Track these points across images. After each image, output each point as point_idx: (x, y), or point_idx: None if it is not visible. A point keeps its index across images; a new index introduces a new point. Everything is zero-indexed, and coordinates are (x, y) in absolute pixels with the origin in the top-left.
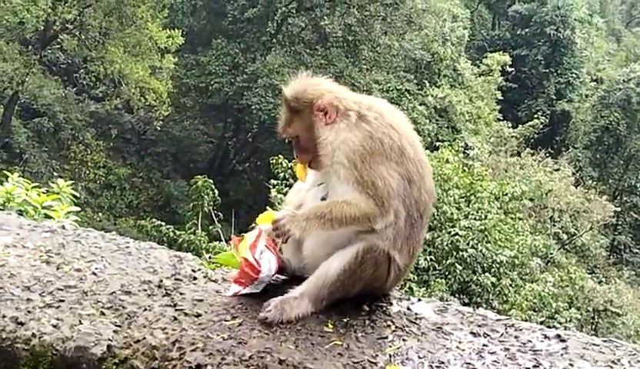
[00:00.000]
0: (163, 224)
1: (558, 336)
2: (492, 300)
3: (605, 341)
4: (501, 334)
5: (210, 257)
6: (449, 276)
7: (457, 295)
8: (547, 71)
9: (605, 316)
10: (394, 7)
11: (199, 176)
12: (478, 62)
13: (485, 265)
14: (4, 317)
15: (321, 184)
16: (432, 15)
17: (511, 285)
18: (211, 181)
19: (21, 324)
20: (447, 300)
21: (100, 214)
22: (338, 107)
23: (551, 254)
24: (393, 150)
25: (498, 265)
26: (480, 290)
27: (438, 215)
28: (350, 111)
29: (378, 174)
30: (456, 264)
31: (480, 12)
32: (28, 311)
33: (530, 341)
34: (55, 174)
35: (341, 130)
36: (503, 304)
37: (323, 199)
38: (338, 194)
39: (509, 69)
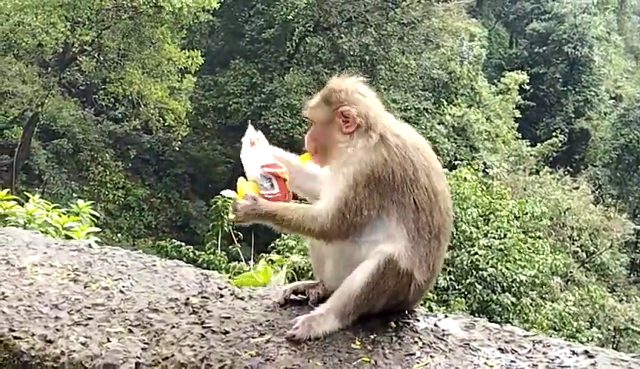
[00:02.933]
0: (182, 244)
1: (586, 352)
2: (512, 319)
3: (633, 357)
4: (529, 351)
5: (230, 278)
6: (469, 295)
7: (477, 314)
8: (565, 89)
9: (626, 335)
10: (411, 26)
11: (218, 196)
12: (495, 81)
13: (505, 284)
14: (33, 335)
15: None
16: (449, 34)
17: (531, 304)
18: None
19: (50, 341)
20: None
21: (119, 234)
22: (361, 123)
23: (571, 272)
24: (404, 181)
25: (518, 284)
26: (500, 309)
27: (457, 234)
28: (373, 132)
29: (369, 206)
30: (476, 284)
31: (497, 31)
32: (57, 329)
33: (558, 357)
34: (75, 195)
35: (359, 148)
36: (523, 323)
37: None
38: (323, 190)
39: (527, 87)
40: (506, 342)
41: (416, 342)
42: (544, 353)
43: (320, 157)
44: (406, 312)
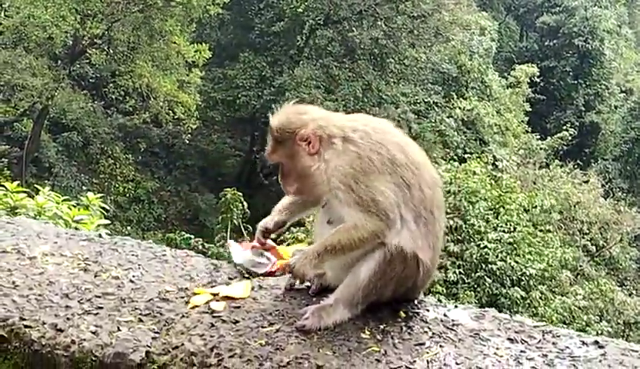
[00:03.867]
0: (192, 237)
1: (596, 342)
2: (522, 313)
3: None
4: (539, 341)
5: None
6: (478, 289)
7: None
8: (575, 82)
9: (635, 328)
10: (421, 19)
11: (228, 189)
12: (506, 74)
13: (515, 278)
14: (43, 323)
15: (325, 205)
16: (460, 28)
17: (540, 298)
18: (240, 193)
19: (61, 330)
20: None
21: (128, 227)
22: (321, 136)
23: (581, 266)
24: (384, 164)
25: (527, 278)
26: (509, 303)
27: (466, 228)
28: (334, 138)
29: (375, 190)
30: (485, 277)
31: (508, 24)
32: (67, 318)
33: (568, 348)
34: (84, 187)
35: (329, 159)
36: (533, 316)
37: (329, 222)
38: (341, 217)
39: (537, 81)
40: (516, 332)
41: (426, 332)
42: (554, 343)
43: (304, 190)
44: (416, 302)
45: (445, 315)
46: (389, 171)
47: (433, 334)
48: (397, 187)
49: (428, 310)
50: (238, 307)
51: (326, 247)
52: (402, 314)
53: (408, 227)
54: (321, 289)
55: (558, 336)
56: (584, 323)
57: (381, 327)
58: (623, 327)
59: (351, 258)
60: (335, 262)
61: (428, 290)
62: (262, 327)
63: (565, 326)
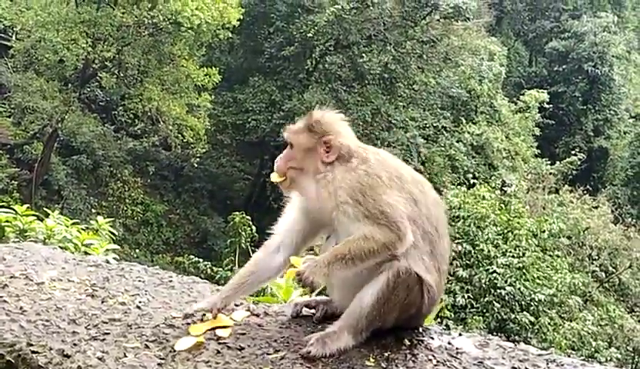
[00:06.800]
0: (200, 260)
1: None
2: (530, 338)
3: None
4: None
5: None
6: (487, 314)
7: (495, 333)
8: (584, 107)
9: None
10: (430, 44)
11: (237, 212)
12: (515, 99)
13: (523, 303)
14: (50, 349)
15: (330, 236)
16: (469, 53)
17: (549, 324)
18: (249, 217)
19: (67, 356)
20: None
21: (137, 250)
22: (341, 153)
23: (590, 292)
24: (392, 179)
25: (536, 303)
26: (518, 328)
27: (475, 253)
28: (353, 158)
29: (383, 203)
30: (494, 302)
31: (517, 49)
32: (74, 344)
33: None
34: (93, 210)
35: (339, 171)
36: (542, 342)
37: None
38: (350, 233)
39: (547, 106)
40: (520, 361)
41: (430, 360)
42: None
43: (288, 182)
44: (420, 330)
45: (449, 343)
46: (397, 186)
47: (437, 362)
48: (406, 201)
49: (432, 338)
50: (244, 334)
51: (336, 256)
52: (407, 342)
53: (415, 244)
54: (326, 316)
55: (562, 365)
56: (593, 349)
57: (386, 354)
58: (632, 354)
59: (362, 269)
60: (342, 281)
61: (436, 316)
62: (267, 353)
63: (573, 352)
